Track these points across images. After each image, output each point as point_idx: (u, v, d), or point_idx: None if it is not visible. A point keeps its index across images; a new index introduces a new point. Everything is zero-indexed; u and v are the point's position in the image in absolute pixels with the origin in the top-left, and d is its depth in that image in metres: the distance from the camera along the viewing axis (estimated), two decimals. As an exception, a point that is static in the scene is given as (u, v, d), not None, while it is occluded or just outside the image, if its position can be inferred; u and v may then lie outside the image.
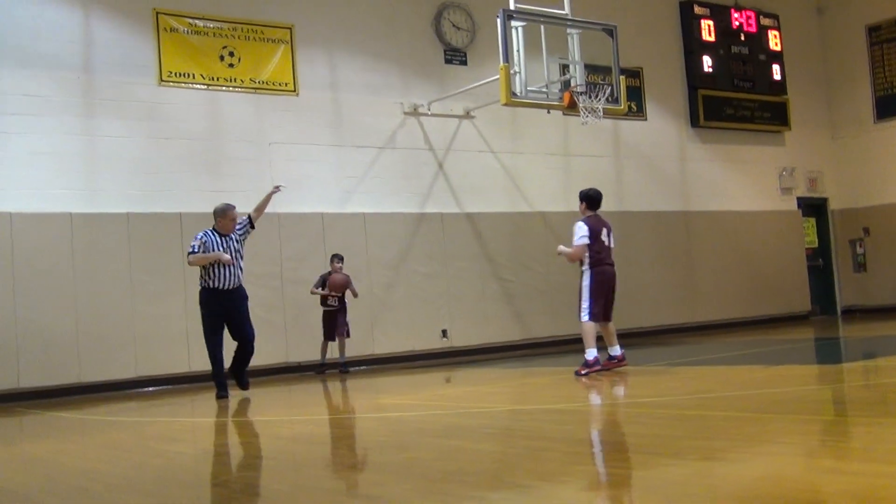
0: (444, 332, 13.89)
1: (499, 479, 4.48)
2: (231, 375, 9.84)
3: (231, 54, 12.77)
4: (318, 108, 13.40)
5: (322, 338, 12.48)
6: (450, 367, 12.45)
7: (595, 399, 7.99)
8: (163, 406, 9.92)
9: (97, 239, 11.56)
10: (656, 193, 16.58)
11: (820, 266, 19.04)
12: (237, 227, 9.62)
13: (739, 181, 17.85)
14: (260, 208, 9.88)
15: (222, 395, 9.54)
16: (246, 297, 9.73)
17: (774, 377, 8.42)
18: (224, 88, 12.70)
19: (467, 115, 14.57)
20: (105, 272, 11.54)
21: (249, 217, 9.77)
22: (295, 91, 13.23)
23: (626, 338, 14.00)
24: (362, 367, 12.58)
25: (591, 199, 9.47)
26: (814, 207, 19.11)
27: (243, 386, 9.86)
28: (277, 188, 10.03)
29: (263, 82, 12.99)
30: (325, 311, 12.41)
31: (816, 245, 19.15)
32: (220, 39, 12.71)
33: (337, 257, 12.45)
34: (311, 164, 13.15)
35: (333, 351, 12.47)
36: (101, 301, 11.46)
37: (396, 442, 6.02)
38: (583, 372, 9.21)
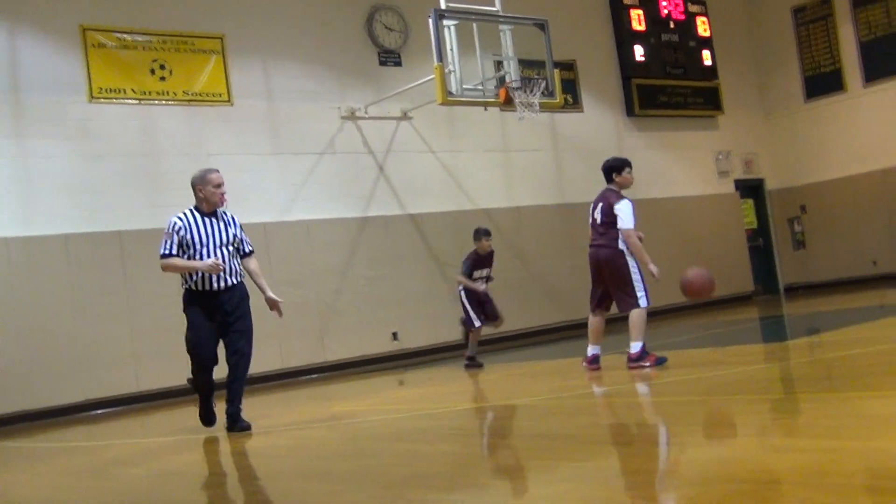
0: (395, 335, 13.87)
1: (456, 480, 4.49)
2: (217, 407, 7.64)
3: (162, 67, 12.60)
4: (254, 117, 13.28)
5: (468, 327, 11.29)
6: (402, 369, 12.44)
7: (547, 393, 8.04)
8: (114, 428, 9.77)
9: (35, 262, 11.33)
10: (597, 184, 16.45)
11: (760, 246, 19.37)
12: (234, 233, 7.35)
13: (677, 167, 18.08)
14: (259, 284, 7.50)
15: (210, 420, 7.59)
16: (247, 296, 7.36)
17: (722, 359, 8.56)
18: (157, 102, 12.53)
19: (405, 116, 14.55)
20: (45, 296, 11.31)
21: (250, 252, 7.54)
22: (229, 101, 13.10)
23: (573, 329, 14.15)
24: (314, 376, 12.47)
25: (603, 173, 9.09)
26: (751, 188, 19.43)
27: (240, 426, 7.23)
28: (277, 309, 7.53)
29: (197, 94, 12.85)
30: (472, 295, 11.01)
31: (756, 225, 19.48)
32: (149, 53, 12.54)
33: (483, 232, 11.06)
34: (251, 174, 13.02)
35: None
36: (43, 325, 11.23)
37: (351, 449, 6.00)
38: (645, 364, 8.07)
